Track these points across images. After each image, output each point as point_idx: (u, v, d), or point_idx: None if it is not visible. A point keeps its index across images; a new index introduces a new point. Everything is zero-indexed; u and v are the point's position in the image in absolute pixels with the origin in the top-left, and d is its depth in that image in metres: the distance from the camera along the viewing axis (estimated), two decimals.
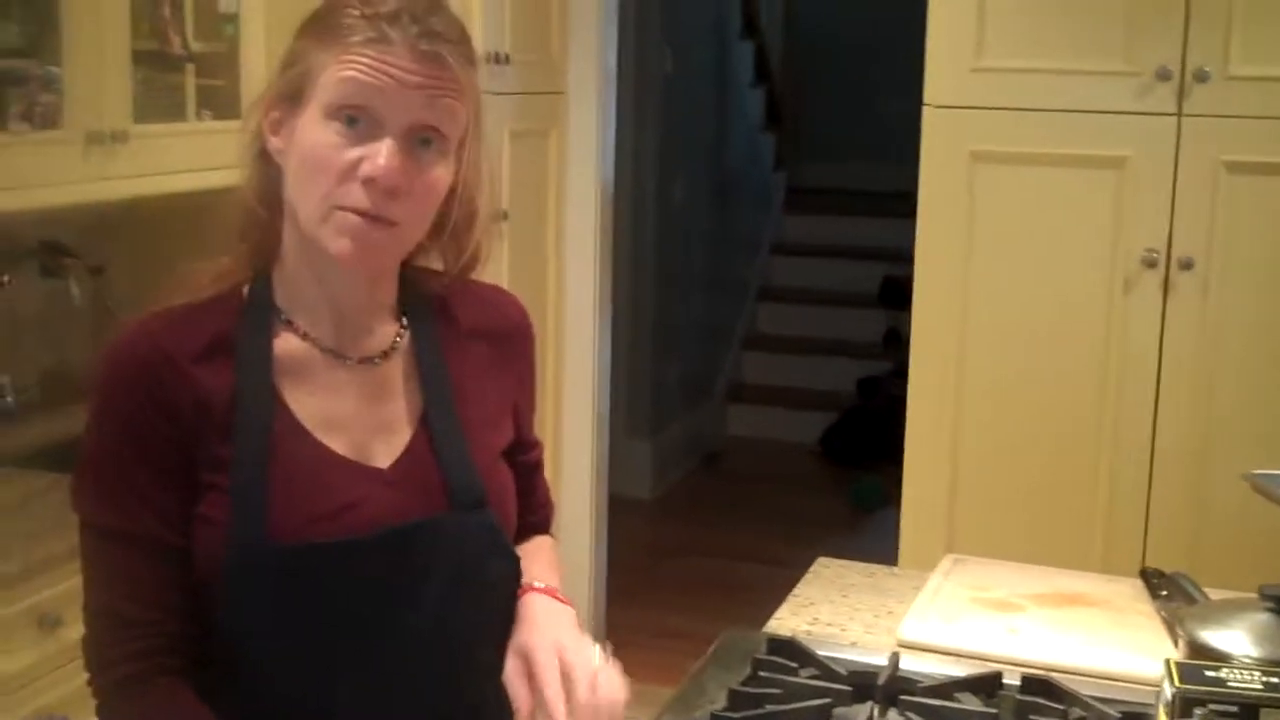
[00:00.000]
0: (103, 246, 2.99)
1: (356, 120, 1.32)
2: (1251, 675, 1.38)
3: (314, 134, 1.34)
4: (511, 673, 1.40)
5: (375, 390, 1.44)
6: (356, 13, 1.34)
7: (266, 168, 1.40)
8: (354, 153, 1.33)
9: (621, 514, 4.70)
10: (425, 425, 1.44)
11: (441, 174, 1.37)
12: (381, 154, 1.32)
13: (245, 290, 1.43)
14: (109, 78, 2.52)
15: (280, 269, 1.42)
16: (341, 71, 1.33)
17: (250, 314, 1.41)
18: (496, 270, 3.64)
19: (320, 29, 1.36)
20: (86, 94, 2.47)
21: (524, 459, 1.57)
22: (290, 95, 1.36)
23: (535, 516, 1.61)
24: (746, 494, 6.01)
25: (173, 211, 2.67)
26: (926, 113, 3.17)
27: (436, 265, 1.50)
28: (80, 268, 2.91)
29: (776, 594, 2.14)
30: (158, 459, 1.34)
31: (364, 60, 1.32)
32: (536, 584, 1.50)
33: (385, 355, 1.45)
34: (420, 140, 1.35)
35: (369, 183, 1.32)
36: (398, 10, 1.33)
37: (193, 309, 1.40)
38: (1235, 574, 2.21)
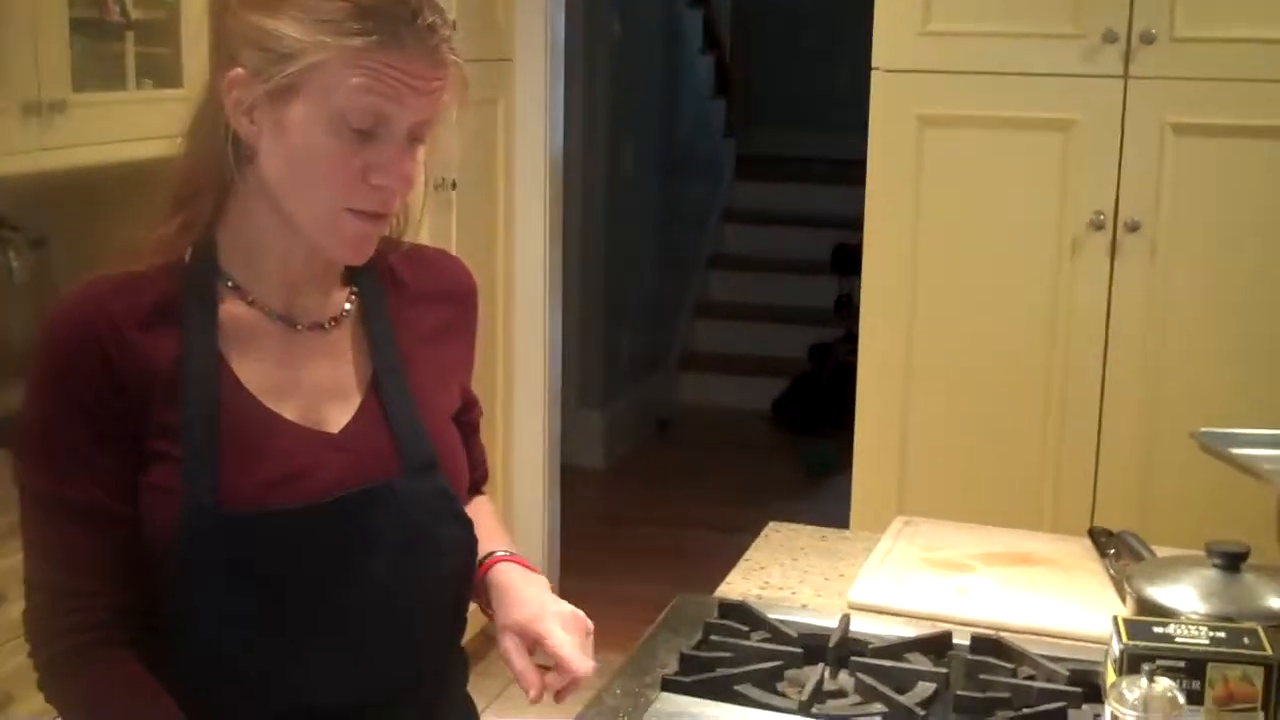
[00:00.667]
0: (44, 218, 2.95)
1: (367, 130, 1.30)
2: (1199, 631, 1.39)
3: (318, 139, 1.30)
4: (511, 650, 1.41)
5: (325, 356, 1.42)
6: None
7: (218, 138, 1.36)
8: (363, 158, 1.31)
9: (574, 483, 4.70)
10: (375, 390, 1.42)
11: (422, 159, 1.36)
12: (397, 161, 1.32)
13: (187, 256, 1.40)
14: (46, 46, 2.48)
15: (226, 235, 1.40)
16: (352, 79, 1.28)
17: (194, 280, 1.38)
18: (445, 241, 3.62)
19: (301, 11, 1.29)
20: (23, 63, 2.43)
21: (466, 419, 1.56)
22: (277, 89, 1.30)
23: (477, 474, 1.60)
24: (698, 461, 6.02)
25: (115, 181, 2.63)
26: (875, 77, 3.16)
27: None
28: (20, 241, 2.87)
29: (729, 560, 2.14)
30: (102, 425, 1.32)
31: (378, 69, 1.28)
32: (500, 552, 1.50)
33: (335, 321, 1.44)
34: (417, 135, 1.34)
35: (382, 189, 1.32)
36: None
37: (135, 276, 1.38)
38: (1183, 532, 2.23)
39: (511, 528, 4.19)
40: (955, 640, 1.81)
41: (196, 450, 1.32)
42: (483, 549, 1.49)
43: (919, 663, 1.75)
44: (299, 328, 1.41)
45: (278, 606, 1.34)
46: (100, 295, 1.35)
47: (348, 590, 1.36)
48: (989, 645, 1.79)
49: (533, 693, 1.38)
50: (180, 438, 1.32)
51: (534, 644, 1.41)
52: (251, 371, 1.37)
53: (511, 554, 1.50)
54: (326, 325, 1.43)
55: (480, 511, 1.57)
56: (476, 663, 1.51)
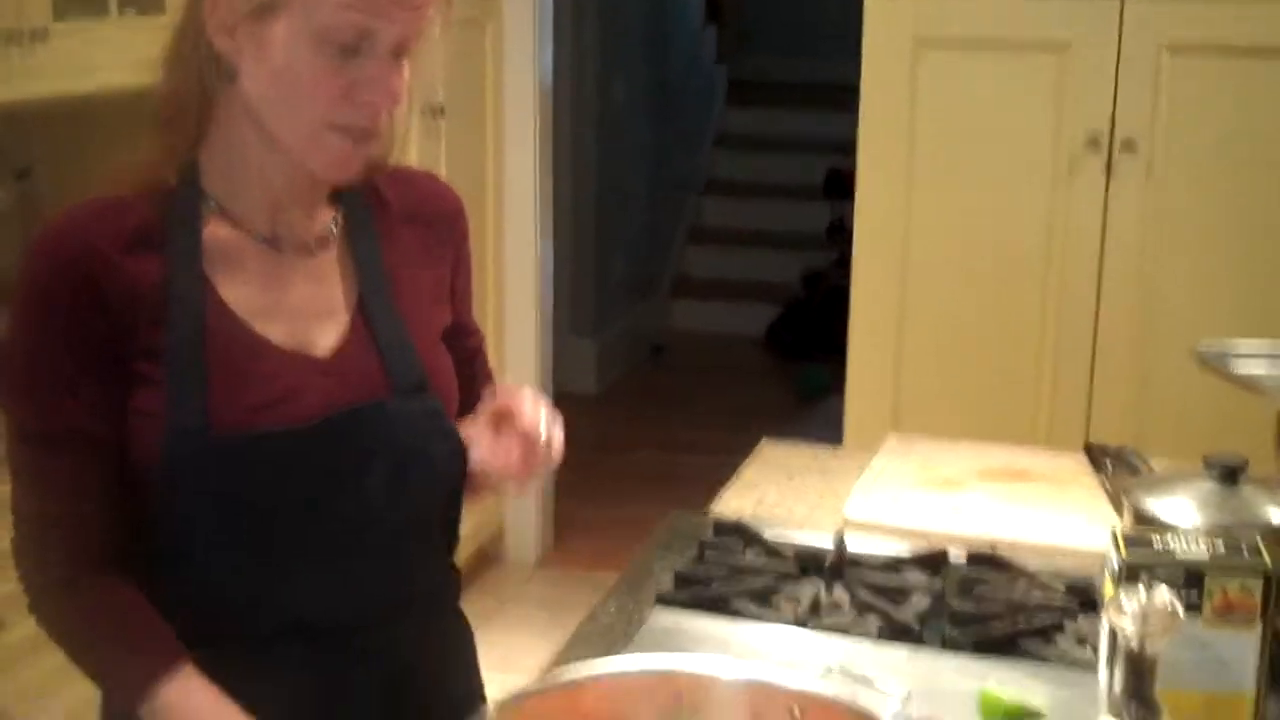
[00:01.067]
0: (28, 148, 2.91)
1: (351, 45, 1.28)
2: (1197, 543, 1.39)
3: (302, 56, 1.27)
4: (472, 440, 1.40)
5: (311, 278, 1.40)
6: None
7: (199, 58, 1.34)
8: (348, 75, 1.29)
9: (567, 410, 4.63)
10: (362, 311, 1.41)
11: (407, 75, 1.34)
12: (382, 76, 1.29)
13: (171, 178, 1.38)
14: None
15: (210, 157, 1.37)
16: None
17: (178, 203, 1.36)
18: (434, 168, 3.58)
19: None
20: None
21: (465, 345, 1.55)
22: (259, 6, 1.28)
23: (479, 392, 1.58)
24: (691, 387, 6.01)
25: (99, 109, 2.59)
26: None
27: None
28: (4, 170, 2.84)
29: (722, 482, 2.14)
30: (86, 352, 1.30)
31: None
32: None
33: (320, 242, 1.42)
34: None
35: (368, 104, 1.30)
36: None
37: (118, 200, 1.35)
38: (1178, 447, 2.23)
39: None
40: (951, 556, 1.81)
41: (182, 373, 1.30)
42: None
43: (915, 578, 1.75)
44: (284, 250, 1.39)
45: (267, 530, 1.33)
46: (83, 221, 1.33)
47: (339, 512, 1.35)
48: (984, 559, 1.79)
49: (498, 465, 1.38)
50: (165, 361, 1.30)
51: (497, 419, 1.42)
52: (237, 294, 1.35)
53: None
54: (312, 247, 1.41)
55: None
56: (469, 580, 1.50)
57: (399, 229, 1.47)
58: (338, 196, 1.44)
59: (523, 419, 1.40)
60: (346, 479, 1.35)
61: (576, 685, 1.30)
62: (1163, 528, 1.51)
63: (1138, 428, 3.00)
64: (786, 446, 2.29)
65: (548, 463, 1.43)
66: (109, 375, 1.31)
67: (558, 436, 1.43)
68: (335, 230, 1.43)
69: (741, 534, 1.85)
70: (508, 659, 2.60)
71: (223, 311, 1.34)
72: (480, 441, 1.41)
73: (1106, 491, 1.84)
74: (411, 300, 1.44)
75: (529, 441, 1.40)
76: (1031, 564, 1.77)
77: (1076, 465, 2.10)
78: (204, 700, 1.29)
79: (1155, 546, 1.39)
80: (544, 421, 1.42)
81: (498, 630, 3.69)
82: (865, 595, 1.68)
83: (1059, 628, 1.62)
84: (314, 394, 1.35)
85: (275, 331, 1.36)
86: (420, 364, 1.41)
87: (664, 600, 1.67)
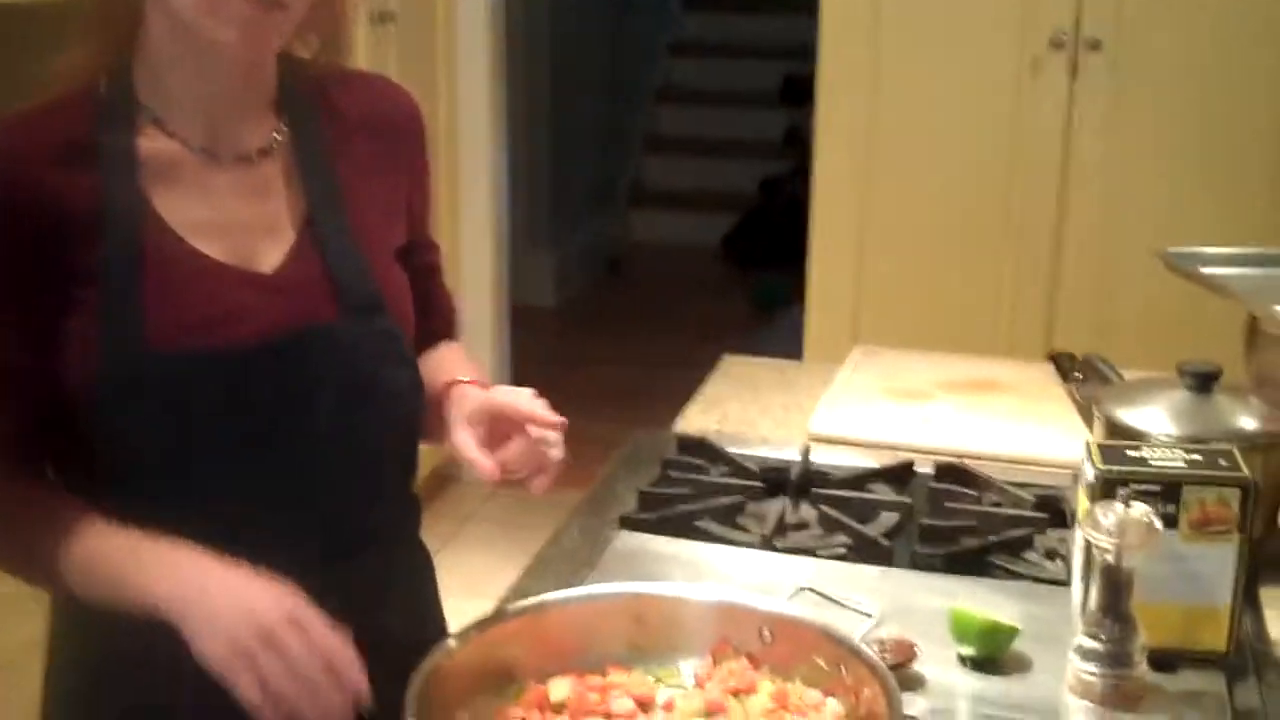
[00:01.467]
0: None
1: None
2: (1174, 453, 1.35)
3: None
4: (462, 444, 1.32)
5: (254, 191, 1.33)
6: None
7: None
8: None
9: (525, 324, 4.63)
10: (311, 226, 1.34)
11: None
12: None
13: (101, 87, 1.30)
14: None
15: (142, 62, 1.30)
16: None
17: (110, 112, 1.29)
18: None
19: None
20: None
21: (421, 262, 1.48)
22: None
23: (440, 322, 1.52)
24: (650, 299, 5.97)
25: (21, 18, 2.49)
26: None
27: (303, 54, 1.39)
28: None
29: (684, 397, 2.10)
30: (16, 273, 1.24)
31: None
32: (462, 378, 1.43)
33: (263, 153, 1.34)
34: None
35: None
36: None
37: (45, 110, 1.28)
38: (1141, 356, 2.19)
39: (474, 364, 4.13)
40: (918, 469, 1.77)
41: (119, 292, 1.24)
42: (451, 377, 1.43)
43: (882, 493, 1.72)
44: (223, 161, 1.32)
45: (209, 459, 1.27)
46: (7, 133, 1.26)
47: (291, 441, 1.29)
48: (953, 473, 1.76)
49: (487, 468, 1.31)
50: (100, 281, 1.24)
51: (493, 421, 1.34)
52: (175, 209, 1.28)
53: (473, 379, 1.43)
54: (254, 158, 1.33)
55: (454, 355, 1.50)
56: (428, 506, 1.45)
57: (352, 138, 1.39)
58: (283, 104, 1.36)
59: (521, 411, 1.33)
60: (293, 406, 1.29)
61: (539, 612, 1.26)
62: (1135, 439, 1.48)
63: (1099, 334, 2.98)
64: (749, 361, 2.24)
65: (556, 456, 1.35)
66: (39, 295, 1.24)
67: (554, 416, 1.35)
68: (279, 140, 1.35)
69: (705, 452, 1.81)
70: (469, 583, 2.56)
71: (161, 228, 1.27)
72: (465, 452, 1.33)
73: (1075, 401, 1.80)
74: (365, 215, 1.37)
75: (532, 440, 1.32)
76: (1000, 476, 1.74)
77: (1042, 375, 2.06)
78: (123, 540, 1.22)
79: (1131, 458, 1.36)
80: (543, 409, 1.33)
81: (459, 553, 3.66)
82: (832, 512, 1.64)
83: (1029, 542, 1.60)
84: (257, 314, 1.28)
85: (216, 248, 1.29)
86: (374, 284, 1.35)
87: (628, 522, 1.63)
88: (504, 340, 4.27)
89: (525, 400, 1.34)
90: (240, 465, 1.28)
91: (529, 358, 4.57)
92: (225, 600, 1.15)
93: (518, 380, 4.34)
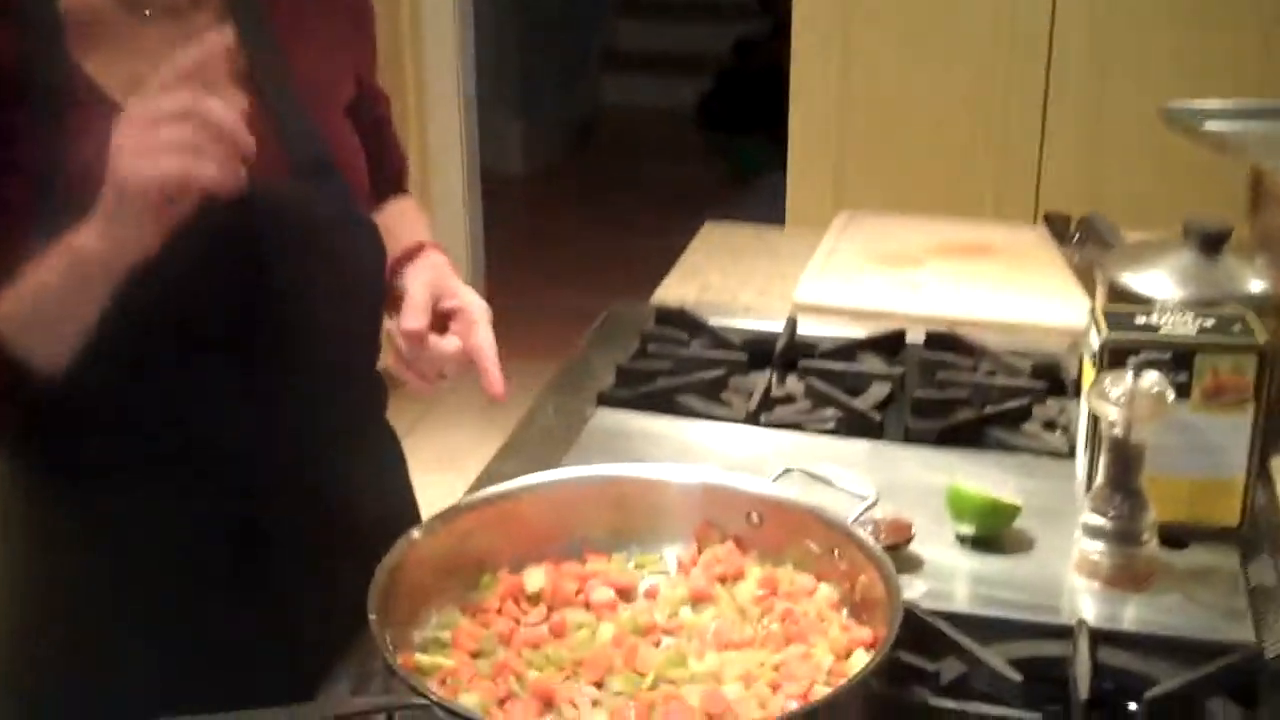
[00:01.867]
0: None
1: None
2: (1185, 320, 1.27)
3: None
4: (405, 339, 1.24)
5: (185, 45, 1.22)
6: None
7: None
8: None
9: (496, 193, 4.52)
10: (252, 83, 1.23)
11: None
12: None
13: None
14: None
15: None
16: None
17: None
18: None
19: None
20: None
21: (370, 114, 1.38)
22: None
23: (388, 175, 1.43)
24: (625, 166, 5.84)
25: None
26: None
27: None
28: None
29: (662, 266, 2.01)
30: None
31: None
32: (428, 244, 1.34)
33: (194, 3, 1.23)
34: None
35: None
36: None
37: None
38: (1135, 217, 2.11)
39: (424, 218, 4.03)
40: (909, 339, 1.69)
41: (47, 158, 1.14)
42: (408, 242, 1.34)
43: (872, 364, 1.64)
44: (151, 14, 1.21)
45: (153, 331, 1.17)
46: None
47: (243, 315, 1.20)
48: (945, 341, 1.68)
49: (421, 388, 1.22)
50: (26, 146, 1.14)
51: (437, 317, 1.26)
52: (104, 70, 1.18)
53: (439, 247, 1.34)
54: (182, 7, 1.22)
55: (404, 212, 1.41)
56: (393, 388, 1.37)
57: None
58: None
59: (473, 335, 1.24)
60: (244, 277, 1.20)
61: (511, 498, 1.18)
62: (1141, 303, 1.40)
63: (1091, 197, 2.88)
64: (729, 228, 2.15)
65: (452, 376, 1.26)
66: None
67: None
68: None
69: (685, 324, 1.73)
70: (446, 460, 2.50)
71: (90, 89, 1.17)
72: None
73: (1072, 265, 1.72)
74: (307, 65, 1.27)
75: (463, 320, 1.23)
76: (994, 344, 1.66)
77: (1035, 238, 1.98)
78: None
79: (1139, 325, 1.27)
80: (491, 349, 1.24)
81: (434, 430, 3.58)
82: (820, 385, 1.56)
83: (1027, 413, 1.52)
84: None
85: None
86: (323, 143, 1.25)
87: (606, 399, 1.55)
88: (475, 210, 4.16)
89: (478, 312, 1.24)
90: (178, 339, 1.18)
91: (501, 228, 4.47)
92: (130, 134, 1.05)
93: (490, 251, 4.28)
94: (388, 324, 1.27)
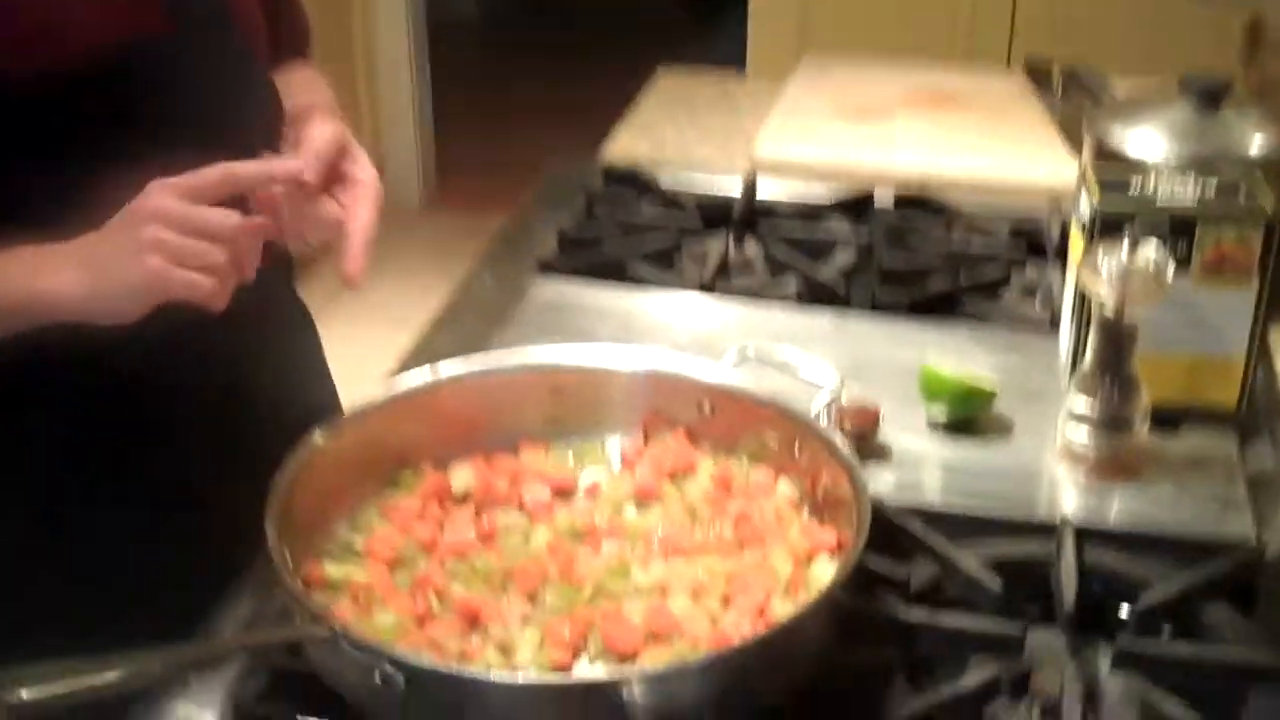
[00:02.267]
0: None
1: None
2: (1184, 186, 1.15)
3: None
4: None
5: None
6: None
7: None
8: None
9: (442, 39, 4.32)
10: None
11: None
12: None
13: None
14: None
15: None
16: None
17: None
18: None
19: None
20: None
21: None
22: None
23: (288, 36, 1.27)
24: (578, 7, 5.62)
25: None
26: None
27: None
28: None
29: (615, 114, 1.86)
30: None
31: None
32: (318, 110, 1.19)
33: None
34: None
35: None
36: None
37: None
38: (1114, 65, 1.98)
39: (375, 89, 3.85)
40: (877, 201, 1.57)
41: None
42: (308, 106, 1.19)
43: (837, 228, 1.52)
44: None
45: (31, 203, 1.04)
46: None
47: (120, 180, 1.06)
48: (916, 202, 1.56)
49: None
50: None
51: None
52: None
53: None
54: None
55: (305, 80, 1.26)
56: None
57: None
58: None
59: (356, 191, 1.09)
60: (129, 137, 1.06)
61: (436, 389, 1.06)
62: (1133, 164, 1.27)
63: (1067, 41, 2.73)
64: (685, 76, 2.01)
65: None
66: None
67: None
68: None
69: (635, 183, 1.60)
70: (396, 315, 2.37)
71: None
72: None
73: (1055, 119, 1.59)
74: None
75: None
76: (969, 204, 1.54)
77: (1014, 87, 1.84)
78: None
79: (1133, 191, 1.15)
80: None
81: (384, 281, 3.44)
82: (780, 251, 1.44)
83: (1004, 281, 1.41)
84: (75, 27, 1.04)
85: None
86: None
87: (547, 267, 1.42)
88: (421, 56, 3.97)
89: (372, 190, 1.10)
90: (56, 211, 1.04)
91: (448, 75, 4.28)
92: (106, 237, 1.00)
93: (437, 99, 4.10)
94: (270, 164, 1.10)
